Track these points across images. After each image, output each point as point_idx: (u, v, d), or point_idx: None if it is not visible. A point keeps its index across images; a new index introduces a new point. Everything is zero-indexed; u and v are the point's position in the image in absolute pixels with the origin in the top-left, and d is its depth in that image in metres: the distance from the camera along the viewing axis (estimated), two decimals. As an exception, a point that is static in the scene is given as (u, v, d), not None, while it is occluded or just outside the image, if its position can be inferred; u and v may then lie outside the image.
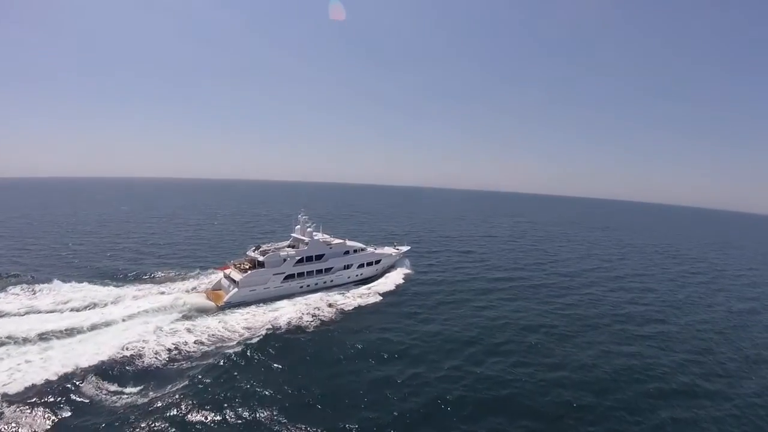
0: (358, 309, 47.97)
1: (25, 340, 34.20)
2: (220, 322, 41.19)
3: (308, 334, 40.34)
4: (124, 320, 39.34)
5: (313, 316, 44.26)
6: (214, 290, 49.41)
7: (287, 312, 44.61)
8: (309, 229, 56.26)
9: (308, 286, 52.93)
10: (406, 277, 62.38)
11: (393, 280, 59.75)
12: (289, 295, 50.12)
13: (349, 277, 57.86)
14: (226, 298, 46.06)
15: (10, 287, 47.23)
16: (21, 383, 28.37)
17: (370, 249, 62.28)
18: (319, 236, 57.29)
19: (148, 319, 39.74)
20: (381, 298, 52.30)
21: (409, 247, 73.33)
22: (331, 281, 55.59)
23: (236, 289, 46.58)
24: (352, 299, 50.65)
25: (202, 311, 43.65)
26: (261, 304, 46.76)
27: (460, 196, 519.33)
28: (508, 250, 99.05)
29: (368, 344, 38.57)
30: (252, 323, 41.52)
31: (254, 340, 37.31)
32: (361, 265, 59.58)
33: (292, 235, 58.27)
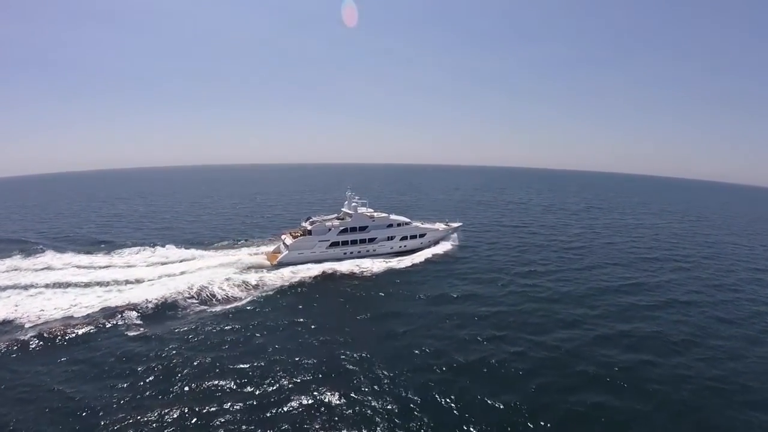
0: (387, 271, 54.02)
1: (138, 281, 47.73)
2: (271, 275, 50.53)
3: (337, 285, 48.48)
4: (201, 269, 51.01)
5: (346, 273, 52.58)
6: (274, 253, 59.07)
7: (322, 270, 52.72)
8: (354, 204, 62.53)
9: (351, 253, 59.32)
10: (450, 250, 64.50)
11: (433, 251, 63.21)
12: (334, 260, 57.21)
13: (392, 248, 62.45)
14: (278, 259, 55.23)
15: (136, 248, 63.21)
16: (131, 299, 41.86)
17: (415, 223, 66.06)
18: (363, 210, 63.15)
19: (219, 270, 50.87)
20: (412, 264, 57.27)
21: (461, 223, 74.73)
22: (374, 250, 60.89)
23: (287, 252, 55.63)
24: (384, 264, 56.28)
25: (260, 268, 53.48)
26: (308, 265, 54.81)
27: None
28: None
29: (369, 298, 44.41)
30: (295, 278, 50.06)
31: (291, 289, 47.09)
32: (405, 238, 63.59)
33: (342, 209, 65.37)
